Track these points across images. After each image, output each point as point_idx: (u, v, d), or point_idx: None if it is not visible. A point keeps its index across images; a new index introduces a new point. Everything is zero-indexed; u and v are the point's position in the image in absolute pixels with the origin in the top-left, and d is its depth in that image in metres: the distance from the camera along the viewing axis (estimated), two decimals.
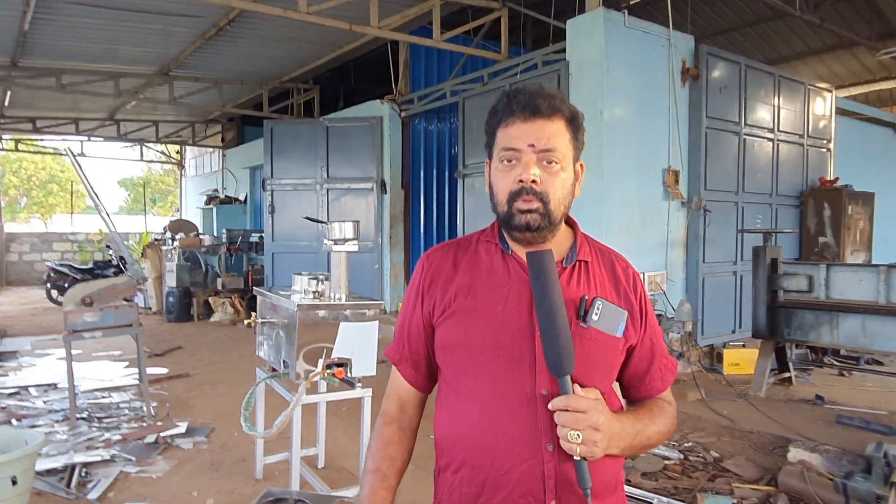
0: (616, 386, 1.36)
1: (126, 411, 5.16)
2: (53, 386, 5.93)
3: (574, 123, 1.27)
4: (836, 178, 8.01)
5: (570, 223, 1.37)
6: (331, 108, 11.61)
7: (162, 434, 4.50)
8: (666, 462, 4.00)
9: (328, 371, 3.01)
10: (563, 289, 1.20)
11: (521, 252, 1.28)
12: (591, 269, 1.31)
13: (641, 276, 6.30)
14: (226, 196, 14.51)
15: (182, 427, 4.69)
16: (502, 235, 1.32)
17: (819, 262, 5.76)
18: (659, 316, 5.87)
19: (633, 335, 1.30)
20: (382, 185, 8.97)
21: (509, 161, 1.24)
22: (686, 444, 4.36)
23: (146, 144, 17.33)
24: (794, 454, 3.82)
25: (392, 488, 1.31)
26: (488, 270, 1.29)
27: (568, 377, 1.13)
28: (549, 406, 1.14)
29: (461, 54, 8.20)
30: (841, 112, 8.87)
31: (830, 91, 8.47)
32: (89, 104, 12.74)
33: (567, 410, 1.11)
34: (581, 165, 1.32)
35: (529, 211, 1.22)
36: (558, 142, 1.23)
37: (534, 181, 1.21)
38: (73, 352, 4.81)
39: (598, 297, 1.26)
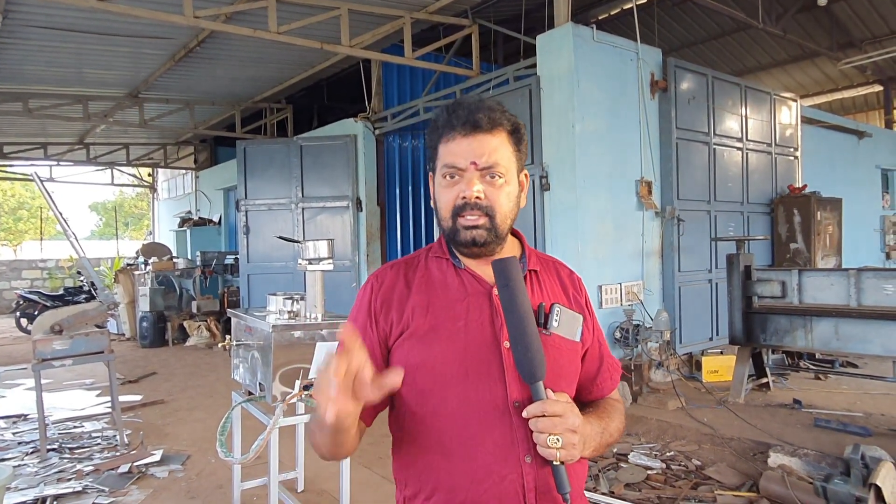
0: None
1: (98, 441, 5.02)
2: (23, 417, 5.77)
3: (516, 135, 1.25)
4: (805, 185, 8.17)
5: (516, 234, 1.36)
6: (304, 127, 11.58)
7: (136, 463, 4.38)
8: (648, 472, 4.00)
9: (305, 392, 2.96)
10: None
11: (473, 265, 1.28)
12: (541, 277, 1.32)
13: (619, 286, 6.36)
14: (199, 218, 14.33)
15: (157, 455, 4.57)
16: (452, 250, 1.30)
17: (791, 268, 5.85)
18: (637, 326, 5.90)
19: (587, 338, 1.32)
20: (358, 203, 8.94)
21: (452, 177, 1.22)
22: (668, 453, 4.37)
23: (117, 168, 17.08)
24: (775, 459, 3.85)
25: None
26: (443, 286, 1.26)
27: (541, 383, 1.12)
28: (524, 413, 1.12)
29: (433, 71, 8.24)
30: (806, 120, 9.07)
31: (795, 100, 8.66)
32: (58, 128, 12.55)
33: (544, 416, 1.10)
34: (526, 175, 1.31)
35: (475, 227, 1.21)
36: (500, 156, 1.21)
37: (478, 197, 1.20)
38: (44, 381, 4.70)
39: (556, 303, 1.26)
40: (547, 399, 1.11)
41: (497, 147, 1.21)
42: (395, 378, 1.03)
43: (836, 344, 5.21)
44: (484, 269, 1.26)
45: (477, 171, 1.20)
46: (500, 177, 1.21)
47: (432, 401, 1.21)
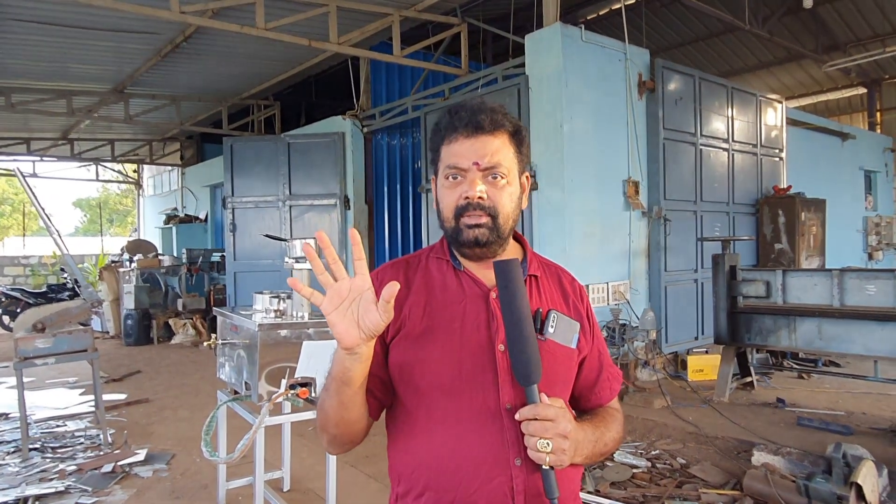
0: None
1: (82, 440, 4.96)
2: (5, 416, 5.69)
3: (517, 137, 1.27)
4: (790, 186, 8.25)
5: (518, 239, 1.37)
6: (292, 124, 11.51)
7: (119, 462, 4.34)
8: (634, 471, 4.02)
9: (291, 391, 2.93)
10: None
11: (472, 268, 1.28)
12: (541, 283, 1.32)
13: (605, 286, 6.38)
14: (186, 215, 14.21)
15: (141, 454, 4.53)
16: (452, 252, 1.30)
17: (776, 268, 5.90)
18: (623, 325, 5.93)
19: (584, 346, 1.32)
20: (346, 201, 8.91)
21: (454, 178, 1.23)
22: (653, 452, 4.39)
23: (102, 164, 16.89)
24: (758, 458, 3.88)
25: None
26: (441, 288, 1.27)
27: (535, 386, 1.12)
28: (517, 416, 1.12)
29: (422, 69, 8.23)
30: (791, 122, 9.16)
31: (781, 102, 8.74)
32: (41, 123, 12.38)
33: (535, 419, 1.10)
34: (527, 177, 1.31)
35: (477, 226, 1.21)
36: (503, 157, 1.22)
37: (480, 197, 1.20)
38: (26, 379, 4.64)
39: (553, 309, 1.26)
40: (540, 403, 1.11)
41: (499, 148, 1.22)
42: (391, 287, 1.05)
43: (820, 343, 5.27)
44: (483, 273, 1.26)
45: (479, 172, 1.21)
46: (502, 177, 1.22)
47: (425, 400, 1.21)
